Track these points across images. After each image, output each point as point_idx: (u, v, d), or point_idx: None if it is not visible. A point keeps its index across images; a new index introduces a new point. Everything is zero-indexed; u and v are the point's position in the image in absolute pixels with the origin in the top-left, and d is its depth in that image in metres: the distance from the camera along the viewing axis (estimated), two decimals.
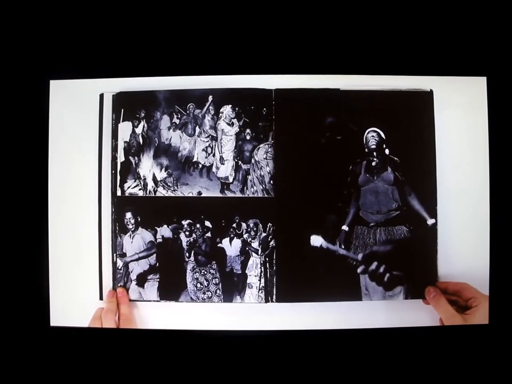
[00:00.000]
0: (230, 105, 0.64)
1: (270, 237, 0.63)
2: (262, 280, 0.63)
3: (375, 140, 0.62)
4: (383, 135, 0.62)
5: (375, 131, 0.62)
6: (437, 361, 0.62)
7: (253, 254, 0.63)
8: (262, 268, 0.63)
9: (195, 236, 0.63)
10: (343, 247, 0.62)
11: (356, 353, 0.62)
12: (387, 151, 0.62)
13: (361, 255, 0.62)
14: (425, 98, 0.63)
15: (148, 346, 0.62)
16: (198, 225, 0.63)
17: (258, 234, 0.63)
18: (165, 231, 0.64)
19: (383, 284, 0.61)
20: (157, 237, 0.64)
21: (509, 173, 0.63)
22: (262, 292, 0.63)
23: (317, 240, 0.62)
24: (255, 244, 0.63)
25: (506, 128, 0.63)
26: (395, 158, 0.63)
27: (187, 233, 0.63)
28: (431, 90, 0.63)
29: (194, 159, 0.64)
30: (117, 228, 0.64)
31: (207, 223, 0.63)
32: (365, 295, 0.62)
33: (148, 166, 0.64)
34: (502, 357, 0.62)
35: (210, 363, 0.62)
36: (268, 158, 0.63)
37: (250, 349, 0.62)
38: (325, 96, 0.63)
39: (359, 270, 0.62)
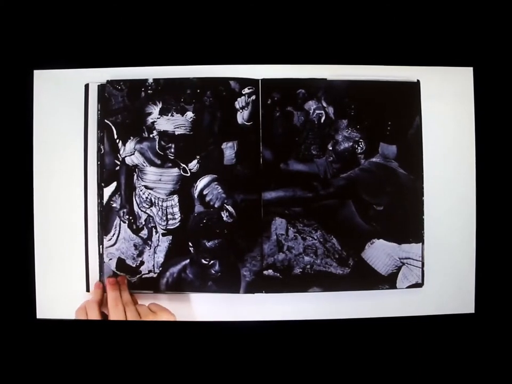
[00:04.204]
0: None
1: None
2: None
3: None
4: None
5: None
6: (423, 350, 0.62)
7: None
8: None
9: None
10: None
11: (341, 343, 0.62)
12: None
13: None
14: (412, 88, 0.63)
15: (137, 337, 0.62)
16: None
17: None
18: None
19: None
20: None
21: (495, 164, 0.64)
22: None
23: None
24: None
25: (492, 118, 0.64)
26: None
27: None
28: (418, 81, 0.63)
29: None
30: (103, 219, 0.63)
31: None
32: None
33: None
34: (487, 346, 0.63)
35: (199, 354, 0.62)
36: None
37: (243, 340, 0.62)
38: (312, 86, 0.63)
39: None
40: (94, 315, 0.59)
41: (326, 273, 0.62)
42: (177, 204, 0.62)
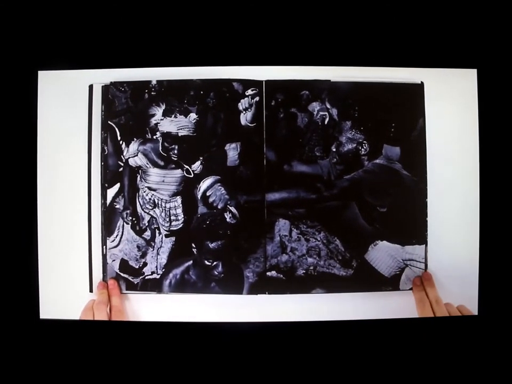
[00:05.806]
0: None
1: None
2: None
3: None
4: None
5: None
6: (426, 352, 0.62)
7: None
8: None
9: None
10: None
11: (344, 345, 0.62)
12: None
13: None
14: (416, 90, 0.63)
15: (140, 338, 0.62)
16: None
17: None
18: None
19: None
20: None
21: (498, 166, 0.64)
22: None
23: None
24: None
25: (496, 120, 0.64)
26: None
27: None
28: (422, 83, 0.63)
29: None
30: (107, 220, 0.63)
31: None
32: None
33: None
34: (491, 348, 0.62)
35: (202, 355, 0.62)
36: None
37: (246, 342, 0.62)
38: (316, 87, 0.62)
39: None
40: (101, 316, 0.59)
41: (329, 275, 0.62)
42: (181, 205, 0.62)
